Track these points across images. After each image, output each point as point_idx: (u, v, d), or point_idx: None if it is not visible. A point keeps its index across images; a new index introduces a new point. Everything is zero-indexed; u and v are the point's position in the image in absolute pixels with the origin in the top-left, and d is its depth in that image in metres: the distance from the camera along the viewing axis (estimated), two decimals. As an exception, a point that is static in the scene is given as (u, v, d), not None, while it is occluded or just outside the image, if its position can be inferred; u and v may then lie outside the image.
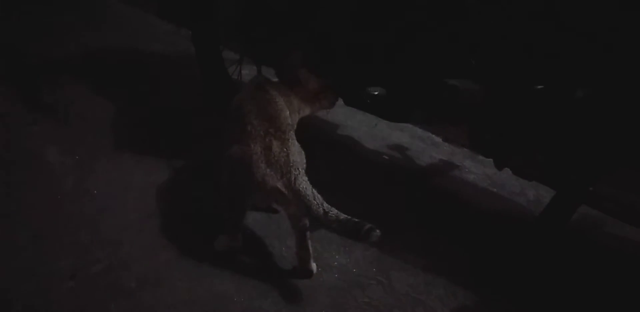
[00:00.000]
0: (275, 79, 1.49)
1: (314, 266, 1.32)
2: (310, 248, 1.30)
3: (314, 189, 1.19)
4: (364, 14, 1.31)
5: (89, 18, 3.08)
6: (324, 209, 1.14)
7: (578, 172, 1.28)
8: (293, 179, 1.17)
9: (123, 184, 1.53)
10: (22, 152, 1.61)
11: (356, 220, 1.13)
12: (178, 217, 1.45)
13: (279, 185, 1.18)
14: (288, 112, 1.30)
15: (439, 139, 2.15)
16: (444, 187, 1.85)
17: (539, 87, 1.18)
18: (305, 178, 1.20)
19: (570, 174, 1.29)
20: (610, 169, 1.22)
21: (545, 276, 1.47)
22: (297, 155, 1.23)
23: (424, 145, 2.10)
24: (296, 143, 1.26)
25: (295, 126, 1.37)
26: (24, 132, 1.70)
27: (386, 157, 2.00)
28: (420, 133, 2.18)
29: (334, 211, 1.15)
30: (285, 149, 1.21)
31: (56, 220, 1.36)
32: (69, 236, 1.32)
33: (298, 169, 1.19)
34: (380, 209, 1.63)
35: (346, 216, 1.15)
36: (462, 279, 1.40)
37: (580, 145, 1.23)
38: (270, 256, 1.39)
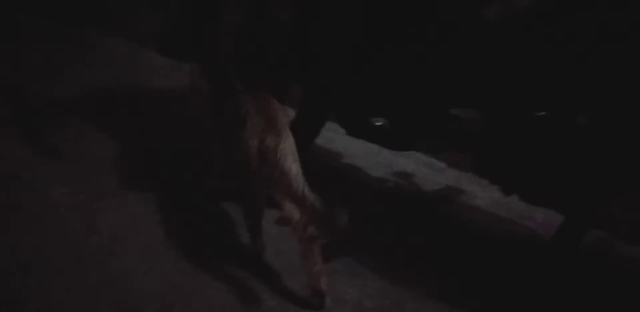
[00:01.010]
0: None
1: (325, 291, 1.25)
2: (322, 271, 1.24)
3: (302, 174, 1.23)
4: (364, 47, 1.34)
5: (89, 55, 3.13)
6: (303, 192, 1.18)
7: (586, 196, 1.28)
8: (281, 163, 1.24)
9: (130, 224, 1.52)
10: (29, 193, 1.61)
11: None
12: (187, 256, 1.44)
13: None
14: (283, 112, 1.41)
15: (443, 165, 2.16)
16: (452, 213, 1.85)
17: (542, 113, 1.20)
18: (293, 162, 1.26)
19: (578, 198, 1.29)
20: (619, 192, 1.22)
21: (558, 301, 1.45)
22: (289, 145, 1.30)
23: (428, 171, 2.11)
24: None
25: None
26: (30, 173, 1.70)
27: (391, 185, 2.00)
28: (424, 159, 2.18)
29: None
30: (277, 140, 1.28)
31: (65, 262, 1.34)
32: (78, 277, 1.30)
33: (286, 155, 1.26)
34: (387, 237, 1.63)
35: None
36: (477, 306, 1.38)
37: (587, 170, 1.24)
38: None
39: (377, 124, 1.35)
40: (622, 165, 1.17)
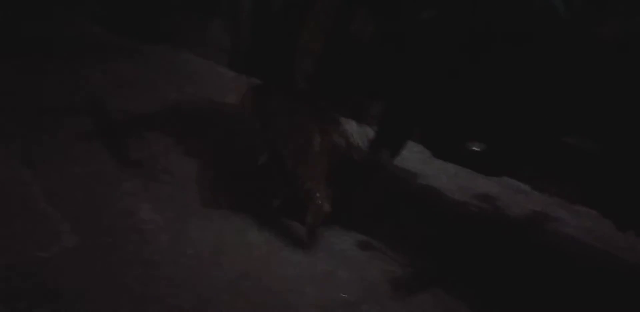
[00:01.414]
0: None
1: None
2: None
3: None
4: (462, 65, 1.27)
5: (165, 70, 3.24)
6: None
7: None
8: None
9: (215, 244, 1.52)
10: (115, 211, 1.64)
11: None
12: (273, 277, 1.42)
13: None
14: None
15: (527, 188, 2.04)
16: (542, 242, 1.74)
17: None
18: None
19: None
20: None
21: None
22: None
23: (512, 194, 2.00)
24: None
25: None
26: (116, 190, 1.75)
27: (473, 209, 1.91)
28: (507, 181, 2.07)
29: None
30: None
31: (155, 282, 1.35)
32: (172, 299, 1.30)
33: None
34: (473, 267, 1.55)
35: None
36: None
37: None
38: None
39: (475, 149, 1.28)
40: None
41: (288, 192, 1.63)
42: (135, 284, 1.33)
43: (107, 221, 1.58)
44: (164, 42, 3.51)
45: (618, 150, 1.14)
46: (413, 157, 2.13)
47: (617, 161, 1.15)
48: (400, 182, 2.05)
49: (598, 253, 1.71)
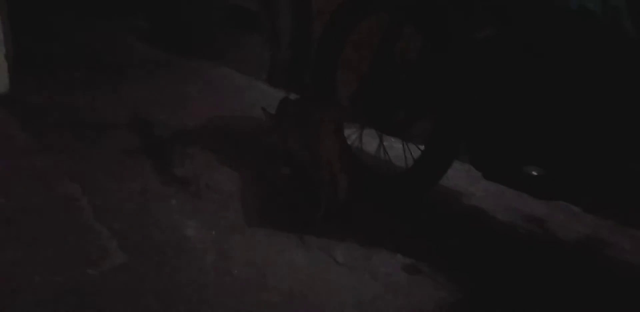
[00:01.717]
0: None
1: None
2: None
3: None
4: (523, 84, 1.23)
5: (206, 86, 3.28)
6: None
7: None
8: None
9: (260, 264, 1.51)
10: (160, 227, 1.66)
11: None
12: (318, 300, 1.39)
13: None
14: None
15: (578, 209, 1.96)
16: (597, 268, 1.66)
17: None
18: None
19: None
20: None
21: None
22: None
23: (563, 216, 1.92)
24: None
25: None
26: (162, 206, 1.76)
27: (521, 231, 1.85)
28: (556, 202, 2.00)
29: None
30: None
31: (202, 304, 1.35)
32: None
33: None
34: (524, 292, 1.48)
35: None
36: None
37: None
38: None
39: (533, 173, 1.23)
40: None
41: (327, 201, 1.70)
42: (181, 306, 1.33)
43: (154, 238, 1.59)
44: (204, 57, 3.57)
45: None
46: (456, 175, 2.08)
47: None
48: (446, 202, 2.00)
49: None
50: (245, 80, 3.47)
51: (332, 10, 2.82)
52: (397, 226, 1.76)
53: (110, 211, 1.69)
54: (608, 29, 1.07)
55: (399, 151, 2.00)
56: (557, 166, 1.24)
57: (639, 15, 1.03)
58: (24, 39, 3.06)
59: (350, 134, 2.02)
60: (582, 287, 1.55)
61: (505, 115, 1.31)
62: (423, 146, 1.83)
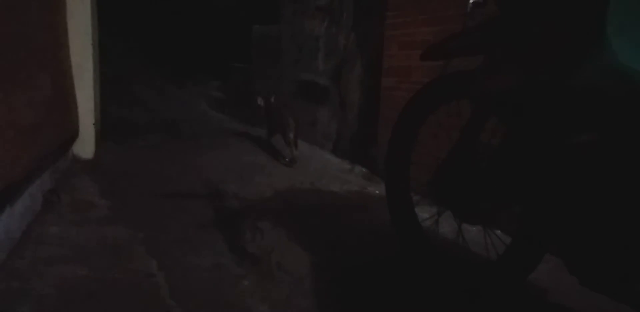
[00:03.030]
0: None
1: None
2: None
3: None
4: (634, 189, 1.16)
5: (276, 156, 3.37)
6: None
7: None
8: None
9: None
10: (233, 310, 1.63)
11: None
12: None
13: None
14: None
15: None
16: None
17: None
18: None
19: None
20: None
21: None
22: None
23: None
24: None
25: None
26: (235, 287, 1.74)
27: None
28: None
29: None
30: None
31: None
32: None
33: None
34: None
35: None
36: None
37: None
38: None
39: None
40: None
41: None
42: None
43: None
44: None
45: None
46: (540, 267, 1.96)
47: None
48: (527, 297, 1.87)
49: None
50: (311, 150, 3.54)
51: (399, 88, 2.90)
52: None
53: (185, 290, 1.69)
54: None
55: (472, 234, 1.93)
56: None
57: None
58: (106, 104, 3.30)
59: (427, 218, 1.98)
60: None
61: (610, 221, 1.23)
62: (504, 233, 1.74)
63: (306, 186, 2.83)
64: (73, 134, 2.61)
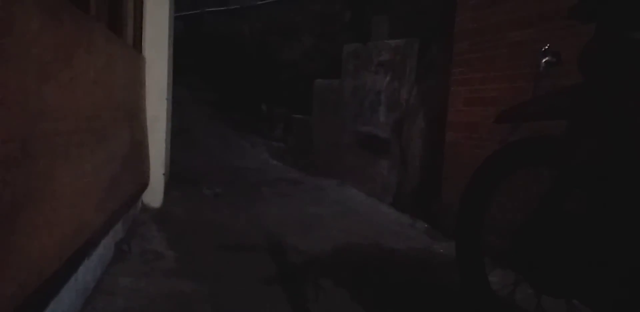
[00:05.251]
0: None
1: None
2: None
3: None
4: None
5: (335, 208, 3.36)
6: None
7: None
8: None
9: None
10: None
11: None
12: None
13: None
14: None
15: None
16: None
17: None
18: None
19: None
20: None
21: None
22: None
23: None
24: None
25: None
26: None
27: None
28: None
29: None
30: None
31: None
32: None
33: None
34: None
35: None
36: None
37: None
38: None
39: None
40: None
41: None
42: None
43: None
44: (330, 176, 3.72)
45: None
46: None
47: None
48: None
49: None
50: (370, 202, 3.51)
51: (463, 144, 2.86)
52: None
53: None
54: None
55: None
56: None
57: None
58: (173, 153, 3.44)
59: (501, 285, 1.88)
60: None
61: None
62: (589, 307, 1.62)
63: (367, 242, 2.78)
64: (145, 184, 2.71)
